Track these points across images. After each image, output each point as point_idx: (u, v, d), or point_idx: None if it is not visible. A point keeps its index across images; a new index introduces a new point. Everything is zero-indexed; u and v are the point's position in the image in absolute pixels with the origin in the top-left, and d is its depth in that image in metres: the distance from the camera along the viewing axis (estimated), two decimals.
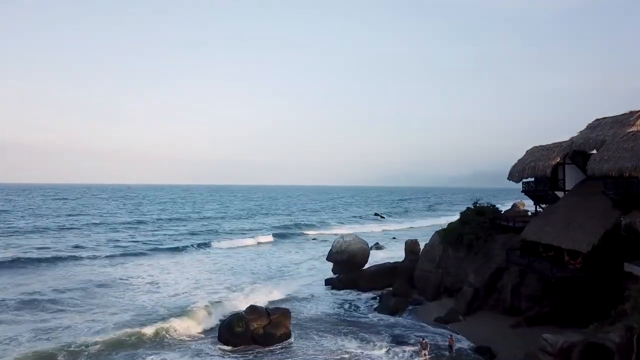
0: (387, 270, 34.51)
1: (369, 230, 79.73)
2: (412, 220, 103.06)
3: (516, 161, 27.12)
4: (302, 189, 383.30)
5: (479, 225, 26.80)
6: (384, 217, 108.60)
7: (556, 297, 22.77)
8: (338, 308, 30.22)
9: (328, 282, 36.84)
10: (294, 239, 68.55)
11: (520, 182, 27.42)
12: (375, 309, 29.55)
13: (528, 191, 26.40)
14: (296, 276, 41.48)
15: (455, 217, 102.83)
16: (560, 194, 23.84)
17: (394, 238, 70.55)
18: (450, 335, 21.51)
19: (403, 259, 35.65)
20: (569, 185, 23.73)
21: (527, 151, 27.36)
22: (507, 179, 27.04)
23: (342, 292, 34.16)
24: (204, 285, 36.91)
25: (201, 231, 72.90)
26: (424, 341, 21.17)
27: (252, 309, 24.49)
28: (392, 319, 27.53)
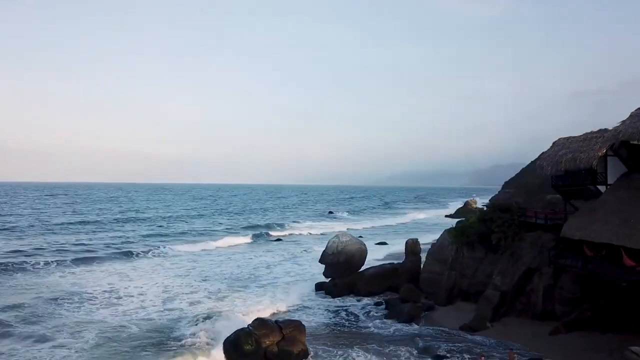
0: (387, 273, 31.74)
1: (335, 229, 77.16)
2: (371, 218, 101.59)
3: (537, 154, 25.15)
4: (230, 188, 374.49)
5: (505, 222, 24.52)
6: (346, 215, 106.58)
7: (598, 299, 20.93)
8: (342, 318, 26.93)
9: (319, 287, 33.56)
10: (257, 240, 64.35)
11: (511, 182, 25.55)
12: (385, 317, 26.59)
13: (560, 186, 24.49)
14: (276, 281, 37.79)
15: (421, 215, 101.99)
16: (602, 188, 22.04)
17: (360, 237, 68.19)
18: (511, 349, 18.94)
19: (403, 259, 32.99)
20: (610, 179, 22.00)
21: (554, 143, 25.49)
22: (537, 172, 24.99)
23: (337, 298, 30.99)
24: (178, 295, 32.51)
25: (153, 233, 66.97)
26: (481, 357, 18.48)
27: (261, 322, 20.77)
28: (408, 328, 24.68)
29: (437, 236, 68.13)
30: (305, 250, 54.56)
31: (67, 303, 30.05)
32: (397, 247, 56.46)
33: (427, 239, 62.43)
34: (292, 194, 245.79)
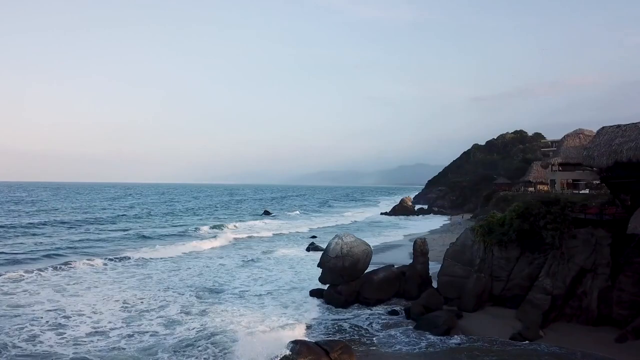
0: (394, 277, 28.34)
1: (284, 230, 72.73)
2: (313, 218, 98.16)
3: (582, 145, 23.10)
4: (143, 187, 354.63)
5: (557, 218, 22.08)
6: (297, 213, 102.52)
7: None
8: (359, 334, 22.86)
9: (315, 294, 29.54)
10: (203, 243, 58.10)
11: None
12: (415, 328, 23.14)
13: (611, 178, 22.54)
14: (249, 289, 33.08)
15: (363, 214, 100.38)
16: None
17: (313, 236, 64.63)
18: None
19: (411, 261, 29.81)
20: None
21: (599, 132, 23.49)
22: (584, 164, 22.97)
23: (342, 309, 27.10)
24: (142, 312, 26.89)
25: (83, 238, 58.46)
26: None
27: (303, 346, 16.44)
28: (446, 341, 21.43)
29: (393, 236, 65.98)
30: (264, 253, 49.91)
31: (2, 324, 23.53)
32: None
33: (384, 239, 60.61)
34: (211, 193, 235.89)
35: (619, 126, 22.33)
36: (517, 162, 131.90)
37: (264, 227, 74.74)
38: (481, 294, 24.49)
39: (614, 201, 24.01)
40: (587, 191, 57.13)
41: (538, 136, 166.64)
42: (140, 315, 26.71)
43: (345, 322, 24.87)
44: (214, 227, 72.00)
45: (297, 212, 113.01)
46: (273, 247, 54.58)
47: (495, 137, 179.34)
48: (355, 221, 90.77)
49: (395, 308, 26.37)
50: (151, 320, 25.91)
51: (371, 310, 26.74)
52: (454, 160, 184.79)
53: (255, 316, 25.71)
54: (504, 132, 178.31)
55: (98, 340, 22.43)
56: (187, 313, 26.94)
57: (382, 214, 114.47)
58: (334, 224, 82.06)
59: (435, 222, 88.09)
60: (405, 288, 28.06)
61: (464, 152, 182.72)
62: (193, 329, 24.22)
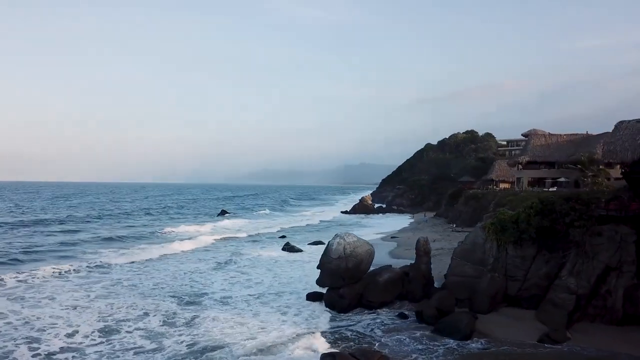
0: (397, 278, 26.86)
1: (251, 230, 69.94)
2: (278, 218, 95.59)
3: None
4: (79, 185, 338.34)
5: (583, 215, 21.26)
6: (266, 211, 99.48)
7: None
8: (377, 342, 21.28)
9: (313, 297, 27.62)
10: (164, 246, 54.40)
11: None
12: (435, 333, 21.70)
13: (634, 173, 22.00)
14: (230, 294, 30.68)
15: (328, 214, 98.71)
16: None
17: (283, 236, 62.42)
18: None
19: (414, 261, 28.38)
20: None
21: (617, 127, 22.94)
22: (605, 159, 22.33)
23: (347, 314, 25.33)
24: (119, 322, 24.18)
25: (36, 242, 53.33)
26: None
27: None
28: (466, 346, 20.17)
29: (366, 235, 64.69)
30: (236, 254, 47.23)
31: None
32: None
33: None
34: (159, 193, 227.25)
35: (639, 120, 21.83)
36: (473, 161, 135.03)
37: (232, 228, 71.61)
38: (495, 294, 23.45)
39: (621, 197, 23.55)
40: (554, 189, 58.40)
41: (489, 136, 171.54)
42: (118, 326, 23.87)
43: (353, 327, 23.11)
44: (179, 228, 68.11)
45: (266, 211, 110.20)
46: (244, 248, 51.99)
47: (447, 137, 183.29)
48: (323, 220, 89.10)
49: (404, 311, 24.87)
50: (131, 332, 23.19)
51: (377, 314, 25.13)
52: (407, 159, 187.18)
53: (253, 325, 23.46)
54: (455, 132, 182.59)
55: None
56: (172, 324, 24.31)
57: (342, 212, 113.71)
58: (304, 224, 79.95)
59: (400, 220, 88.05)
60: (409, 289, 26.66)
61: (418, 151, 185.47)
62: (182, 342, 21.76)
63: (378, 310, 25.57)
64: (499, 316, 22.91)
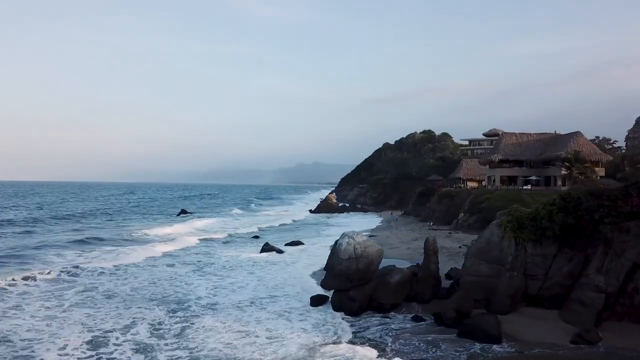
0: (408, 279, 25.68)
1: (218, 232, 67.06)
2: (245, 218, 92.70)
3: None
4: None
5: (611, 212, 20.70)
6: (237, 211, 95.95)
7: None
8: (403, 350, 19.82)
9: (318, 301, 25.99)
10: (137, 247, 51.06)
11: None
12: (461, 336, 20.59)
13: None
14: (216, 299, 28.44)
15: (297, 213, 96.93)
16: None
17: (256, 236, 60.20)
18: None
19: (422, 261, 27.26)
20: None
21: (638, 121, 22.60)
22: (628, 153, 21.91)
23: (360, 318, 23.88)
24: (106, 334, 21.69)
25: None
26: None
27: None
28: (496, 349, 19.24)
29: (337, 233, 63.23)
30: (211, 256, 44.81)
31: None
32: (317, 247, 50.58)
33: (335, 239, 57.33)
34: (107, 192, 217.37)
35: None
36: (432, 160, 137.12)
37: (205, 228, 68.20)
38: (515, 294, 22.68)
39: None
40: (529, 187, 59.57)
41: (445, 136, 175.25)
42: (103, 337, 21.42)
43: (374, 333, 21.64)
44: (147, 229, 64.24)
45: (237, 210, 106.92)
46: (221, 249, 49.47)
47: (405, 137, 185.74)
48: (295, 220, 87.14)
49: (419, 314, 23.67)
50: (120, 345, 20.78)
51: (390, 317, 23.80)
52: (366, 159, 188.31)
53: (258, 335, 21.48)
54: (412, 132, 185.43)
55: None
56: (162, 335, 21.92)
57: (310, 211, 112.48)
58: (278, 224, 77.63)
59: (368, 219, 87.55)
60: (418, 290, 25.53)
61: (376, 151, 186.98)
62: (178, 358, 19.52)
63: (389, 313, 24.29)
64: (520, 317, 22.14)
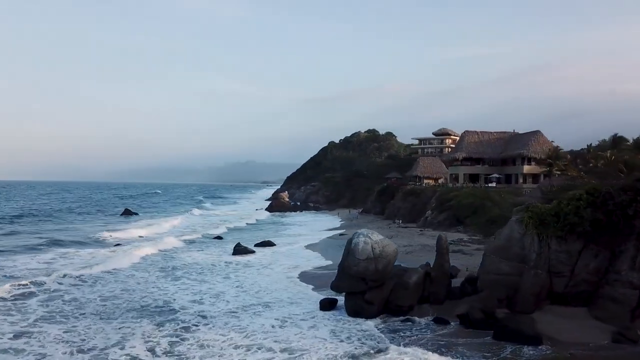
0: (423, 279, 24.42)
1: (200, 233, 63.10)
2: (208, 218, 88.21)
3: None
4: None
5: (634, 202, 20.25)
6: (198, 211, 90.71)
7: None
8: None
9: (327, 305, 24.16)
10: (96, 251, 46.41)
11: None
12: (497, 339, 19.50)
13: None
14: (203, 309, 25.78)
15: (236, 211, 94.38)
16: None
17: (219, 238, 56.99)
18: None
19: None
20: None
21: None
22: None
23: (380, 323, 22.29)
24: (100, 354, 18.71)
25: None
26: None
27: None
28: (529, 351, 18.31)
29: (305, 235, 61.47)
30: (180, 259, 41.50)
31: None
32: (290, 248, 48.54)
33: (306, 239, 54.87)
34: (35, 192, 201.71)
35: None
36: (380, 159, 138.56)
37: (169, 230, 63.31)
38: (540, 292, 22.01)
39: None
40: (494, 184, 60.73)
41: (390, 135, 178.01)
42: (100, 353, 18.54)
43: (407, 338, 20.08)
44: (103, 231, 58.88)
45: (198, 210, 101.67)
46: (189, 252, 45.96)
47: (349, 135, 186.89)
48: (259, 219, 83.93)
49: (441, 316, 22.44)
50: None
51: (412, 320, 22.36)
52: (312, 157, 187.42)
53: (274, 347, 19.30)
54: (357, 131, 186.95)
55: None
56: (168, 351, 19.22)
57: (258, 210, 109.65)
58: (244, 224, 74.12)
59: (325, 217, 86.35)
60: (431, 291, 24.32)
61: (322, 149, 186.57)
62: None
63: (408, 315, 22.91)
64: (546, 315, 21.45)
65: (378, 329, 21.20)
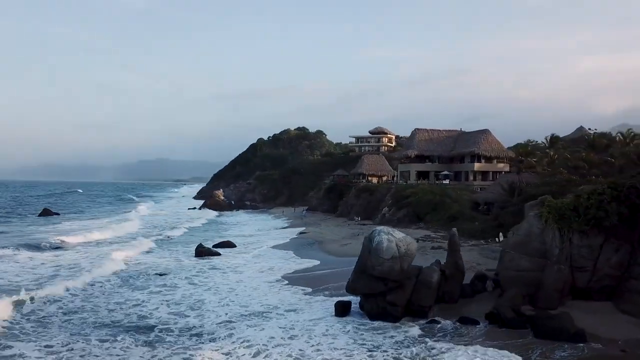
0: (439, 278, 23.30)
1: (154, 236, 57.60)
2: (157, 217, 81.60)
3: None
4: None
5: None
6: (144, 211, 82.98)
7: None
8: None
9: (343, 310, 22.30)
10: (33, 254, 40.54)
11: None
12: (539, 337, 18.77)
13: None
14: (198, 321, 23.02)
15: (166, 211, 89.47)
16: None
17: (168, 238, 52.70)
18: None
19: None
20: None
21: None
22: None
23: (408, 326, 20.82)
24: None
25: None
26: None
27: None
28: (570, 350, 17.85)
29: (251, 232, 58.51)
30: (136, 264, 37.47)
31: None
32: (254, 248, 45.88)
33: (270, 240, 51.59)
34: None
35: None
36: (317, 157, 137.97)
37: (119, 233, 56.91)
38: (563, 288, 21.71)
39: None
40: (447, 182, 61.66)
41: (320, 133, 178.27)
42: None
43: (445, 341, 18.76)
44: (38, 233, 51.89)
45: (145, 210, 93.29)
46: (146, 256, 41.41)
47: (278, 132, 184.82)
48: (209, 219, 78.98)
49: (467, 316, 21.42)
50: None
51: (435, 321, 21.10)
52: (240, 154, 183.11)
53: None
54: (286, 128, 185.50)
55: None
56: None
57: (190, 209, 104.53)
58: (198, 224, 69.00)
59: (267, 216, 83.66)
60: (446, 290, 23.30)
61: (251, 146, 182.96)
62: None
63: (429, 316, 21.70)
64: (572, 311, 21.03)
65: (421, 333, 19.69)
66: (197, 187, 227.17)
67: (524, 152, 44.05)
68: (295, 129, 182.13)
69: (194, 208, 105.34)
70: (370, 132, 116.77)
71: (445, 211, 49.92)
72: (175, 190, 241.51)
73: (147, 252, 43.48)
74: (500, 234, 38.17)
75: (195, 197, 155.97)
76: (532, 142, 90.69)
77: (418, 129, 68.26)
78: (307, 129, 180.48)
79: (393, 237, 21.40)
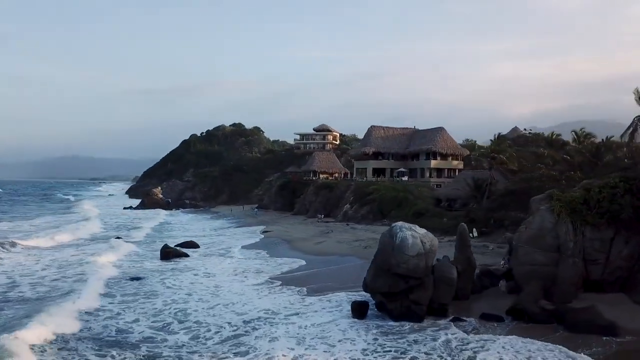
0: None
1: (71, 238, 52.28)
2: (113, 218, 74.70)
3: None
4: None
5: None
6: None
7: None
8: None
9: (360, 311, 21.06)
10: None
11: None
12: (574, 331, 18.65)
13: None
14: (184, 340, 20.99)
15: (99, 209, 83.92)
16: None
17: (118, 237, 48.44)
18: None
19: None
20: None
21: None
22: None
23: (432, 327, 20.00)
24: None
25: None
26: None
27: None
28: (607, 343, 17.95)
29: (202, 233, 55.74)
30: (97, 267, 33.78)
31: None
32: (223, 248, 43.45)
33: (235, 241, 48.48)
34: None
35: None
36: (255, 154, 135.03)
37: (74, 236, 50.94)
38: (577, 280, 21.91)
39: None
40: (406, 178, 62.01)
41: (257, 130, 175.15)
42: None
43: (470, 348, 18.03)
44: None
45: (92, 208, 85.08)
46: (102, 258, 37.32)
47: (211, 128, 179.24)
48: (160, 220, 73.68)
49: (488, 312, 20.99)
50: None
51: (460, 320, 20.46)
52: (172, 150, 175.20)
53: None
54: (220, 124, 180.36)
55: None
56: None
57: (125, 208, 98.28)
58: (157, 223, 64.02)
59: (216, 215, 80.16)
60: (459, 286, 22.77)
61: (183, 142, 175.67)
62: None
63: (449, 314, 21.08)
64: (587, 303, 21.30)
65: (460, 333, 18.85)
66: (118, 186, 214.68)
67: (496, 150, 45.29)
68: (230, 125, 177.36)
69: (130, 207, 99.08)
70: (314, 129, 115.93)
71: (410, 208, 50.03)
72: (97, 189, 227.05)
73: (125, 254, 39.65)
74: (474, 229, 38.67)
75: (130, 196, 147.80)
76: (470, 141, 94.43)
77: (374, 127, 68.41)
78: (243, 125, 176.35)
79: (417, 233, 20.51)
